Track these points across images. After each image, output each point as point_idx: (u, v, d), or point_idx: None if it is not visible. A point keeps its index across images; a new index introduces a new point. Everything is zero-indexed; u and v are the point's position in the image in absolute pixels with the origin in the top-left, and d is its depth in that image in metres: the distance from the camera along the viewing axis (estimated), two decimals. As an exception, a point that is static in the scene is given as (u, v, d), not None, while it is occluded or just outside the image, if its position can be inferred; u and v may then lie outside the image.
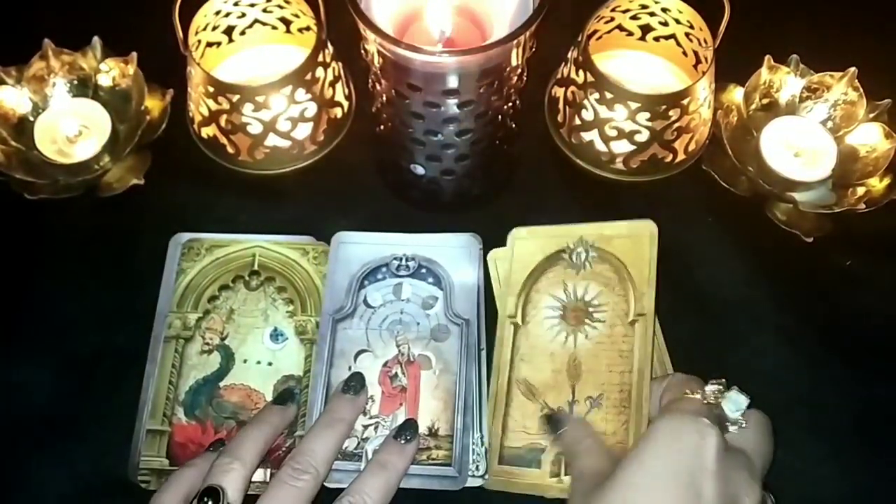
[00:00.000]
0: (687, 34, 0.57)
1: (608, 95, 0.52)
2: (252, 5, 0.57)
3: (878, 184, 0.54)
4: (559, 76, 0.57)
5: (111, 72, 0.57)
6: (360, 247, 0.53)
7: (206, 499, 0.38)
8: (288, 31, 0.59)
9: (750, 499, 0.38)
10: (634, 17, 0.58)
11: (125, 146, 0.55)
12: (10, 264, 0.54)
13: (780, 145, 0.56)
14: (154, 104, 0.57)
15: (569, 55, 0.56)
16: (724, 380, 0.41)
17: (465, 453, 0.47)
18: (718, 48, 0.53)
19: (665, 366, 0.50)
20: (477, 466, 0.47)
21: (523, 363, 0.48)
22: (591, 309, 0.48)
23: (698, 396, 0.40)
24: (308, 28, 0.58)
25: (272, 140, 0.54)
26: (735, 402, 0.40)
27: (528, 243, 0.51)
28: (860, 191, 0.54)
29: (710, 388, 0.41)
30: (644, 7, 0.57)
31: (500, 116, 0.50)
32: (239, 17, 0.57)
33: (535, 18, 0.48)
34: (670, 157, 0.55)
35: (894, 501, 0.47)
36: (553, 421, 0.46)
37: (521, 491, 0.45)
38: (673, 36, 0.58)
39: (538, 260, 0.51)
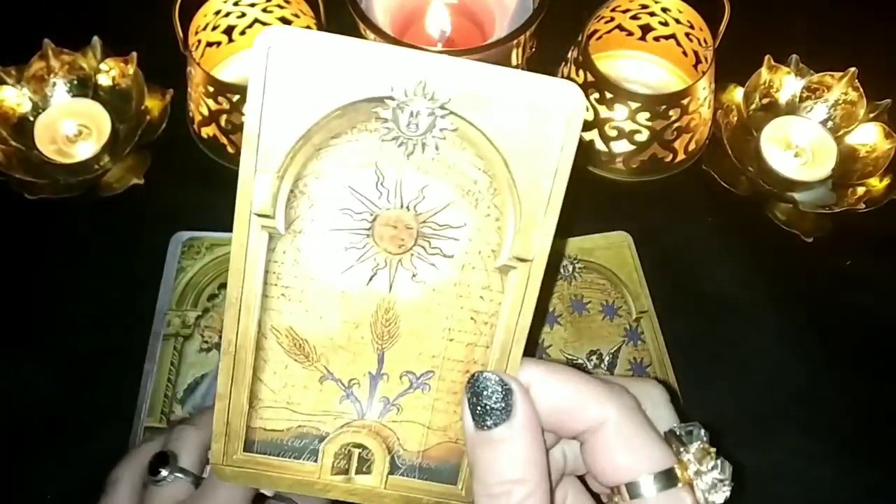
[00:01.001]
0: (687, 34, 0.57)
1: (608, 95, 0.52)
2: (252, 5, 0.57)
3: (878, 184, 0.54)
4: (559, 76, 0.57)
5: (111, 72, 0.57)
6: None
7: (157, 466, 0.35)
8: (288, 31, 0.59)
9: None
10: (634, 17, 0.58)
11: (125, 146, 0.55)
12: (10, 264, 0.54)
13: (780, 145, 0.56)
14: (154, 104, 0.57)
15: (569, 55, 0.56)
16: (701, 430, 0.29)
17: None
18: (718, 48, 0.53)
19: (665, 366, 0.50)
20: None
21: (288, 302, 0.29)
22: (429, 228, 0.28)
23: (688, 465, 0.27)
24: (308, 28, 0.58)
25: (272, 140, 0.54)
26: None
27: (308, 53, 0.25)
28: (860, 191, 0.54)
29: (695, 451, 0.28)
30: (644, 7, 0.57)
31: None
32: (239, 17, 0.58)
33: (535, 18, 0.49)
34: (670, 157, 0.55)
35: (894, 501, 0.47)
36: (478, 393, 0.28)
37: (284, 489, 0.32)
38: (673, 36, 0.58)
39: (330, 105, 0.26)
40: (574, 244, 0.52)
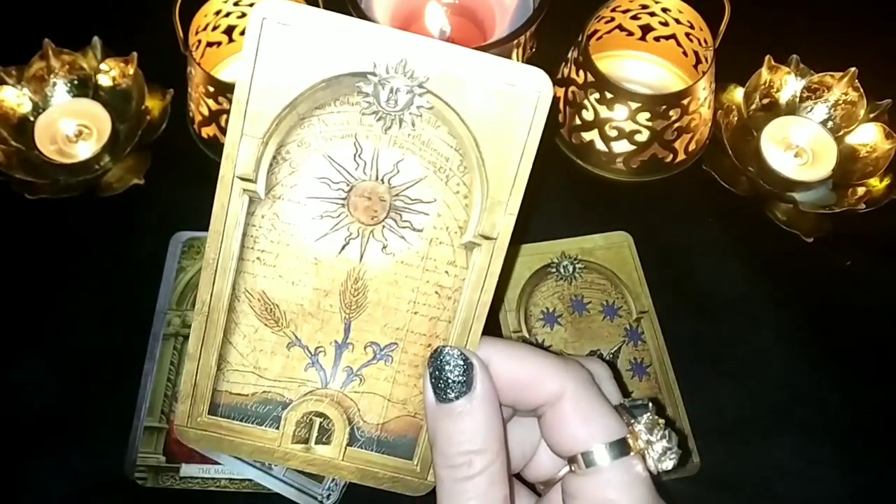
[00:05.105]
0: (687, 34, 0.57)
1: (608, 95, 0.52)
2: (252, 5, 0.57)
3: (878, 184, 0.54)
4: (559, 76, 0.57)
5: (111, 72, 0.57)
6: None
7: None
8: (288, 31, 0.59)
9: None
10: (634, 17, 0.58)
11: (125, 146, 0.55)
12: (9, 264, 0.54)
13: (780, 145, 0.56)
14: (154, 104, 0.57)
15: (569, 55, 0.56)
16: (649, 403, 0.30)
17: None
18: (718, 48, 0.53)
19: (665, 366, 0.50)
20: None
21: (263, 266, 0.30)
22: (402, 201, 0.29)
23: (639, 435, 0.29)
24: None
25: (272, 140, 0.54)
26: (667, 459, 0.29)
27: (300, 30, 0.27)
28: (860, 191, 0.54)
29: (645, 422, 0.29)
30: (644, 7, 0.57)
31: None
32: (239, 17, 0.58)
33: (535, 18, 0.49)
34: (670, 157, 0.55)
35: (894, 502, 0.47)
36: (440, 367, 0.29)
37: (245, 455, 0.33)
38: (673, 36, 0.58)
39: (317, 77, 0.27)
40: (574, 244, 0.52)
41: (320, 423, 0.31)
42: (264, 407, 0.31)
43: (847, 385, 0.50)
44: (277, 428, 0.31)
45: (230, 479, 0.46)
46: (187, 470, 0.46)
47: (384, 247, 0.30)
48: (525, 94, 0.27)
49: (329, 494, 0.45)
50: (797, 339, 0.52)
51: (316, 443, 0.31)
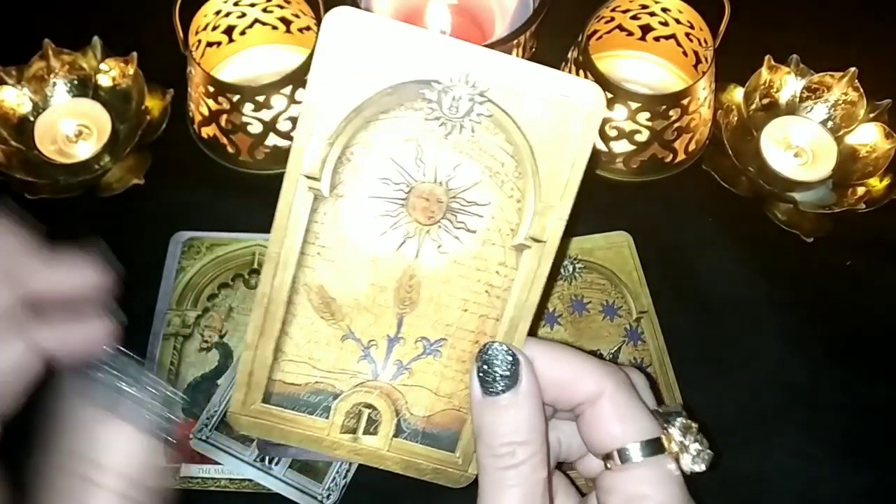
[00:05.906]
0: (687, 34, 0.57)
1: (608, 95, 0.52)
2: (252, 5, 0.57)
3: (878, 184, 0.54)
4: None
5: (111, 72, 0.57)
6: None
7: None
8: (288, 31, 0.59)
9: None
10: (634, 17, 0.58)
11: (125, 146, 0.55)
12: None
13: (780, 145, 0.56)
14: (154, 104, 0.57)
15: (569, 55, 0.56)
16: (682, 410, 0.32)
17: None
18: (718, 48, 0.53)
19: (665, 366, 0.50)
20: None
21: (323, 261, 0.31)
22: (458, 203, 0.30)
23: (673, 437, 0.30)
24: (308, 28, 0.58)
25: (272, 140, 0.54)
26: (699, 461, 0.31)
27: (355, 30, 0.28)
28: (860, 191, 0.54)
29: (679, 426, 0.31)
30: (644, 7, 0.57)
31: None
32: (239, 17, 0.58)
33: (535, 18, 0.49)
34: (670, 157, 0.55)
35: (894, 501, 0.47)
36: (488, 361, 0.30)
37: (294, 443, 0.33)
38: (673, 36, 0.58)
39: (383, 83, 0.29)
40: (574, 244, 0.53)
41: (369, 414, 0.32)
42: (316, 397, 0.32)
43: (847, 385, 0.50)
44: (327, 417, 0.32)
45: (230, 479, 0.46)
46: (187, 470, 0.46)
47: (439, 246, 0.31)
48: (578, 105, 0.29)
49: (329, 494, 0.45)
50: (797, 339, 0.52)
51: (363, 433, 0.33)
